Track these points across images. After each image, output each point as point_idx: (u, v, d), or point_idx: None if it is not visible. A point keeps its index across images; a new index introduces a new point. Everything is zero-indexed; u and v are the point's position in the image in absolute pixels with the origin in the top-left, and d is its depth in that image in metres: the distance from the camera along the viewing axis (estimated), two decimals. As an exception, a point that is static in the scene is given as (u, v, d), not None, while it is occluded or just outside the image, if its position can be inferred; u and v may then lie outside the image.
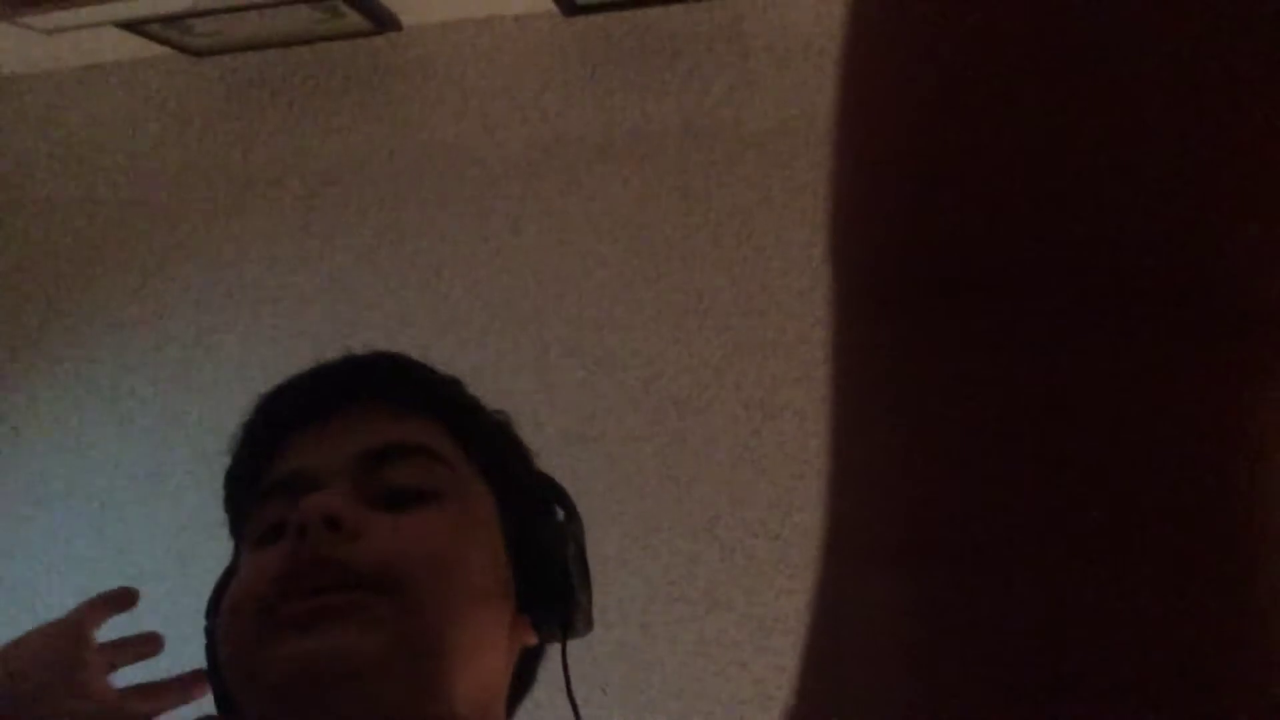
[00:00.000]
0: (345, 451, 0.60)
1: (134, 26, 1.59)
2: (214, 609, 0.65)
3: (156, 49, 1.73)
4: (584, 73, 1.71)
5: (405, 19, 1.73)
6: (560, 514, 0.65)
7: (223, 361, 1.77)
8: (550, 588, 0.62)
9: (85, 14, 1.53)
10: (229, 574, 0.65)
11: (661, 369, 1.62)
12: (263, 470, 0.62)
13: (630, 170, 1.69)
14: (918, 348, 0.14)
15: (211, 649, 0.63)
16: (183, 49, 1.73)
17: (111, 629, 0.70)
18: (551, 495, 0.66)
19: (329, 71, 1.79)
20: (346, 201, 1.78)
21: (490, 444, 0.64)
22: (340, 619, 0.53)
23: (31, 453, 1.81)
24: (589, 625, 0.64)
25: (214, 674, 0.63)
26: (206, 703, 0.66)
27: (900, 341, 0.14)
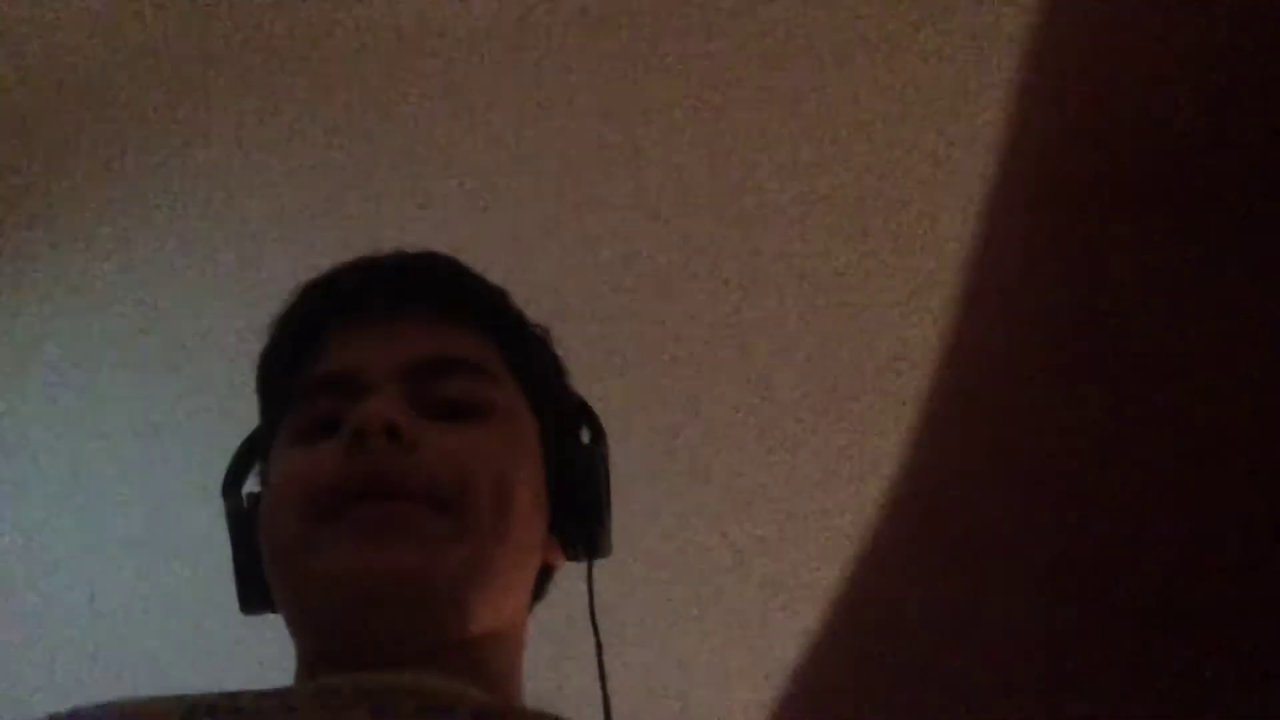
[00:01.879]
0: (396, 357, 0.59)
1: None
2: (231, 486, 0.65)
3: (106, -83, 1.65)
4: (555, -61, 1.64)
5: (366, -118, 1.65)
6: (587, 435, 0.66)
7: (194, 247, 1.74)
8: (584, 510, 0.63)
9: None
10: (250, 449, 0.65)
11: (640, 247, 1.61)
12: (305, 360, 0.62)
13: (606, 42, 1.64)
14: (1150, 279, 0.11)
15: (238, 528, 0.63)
16: (133, -83, 1.65)
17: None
18: (582, 416, 0.66)
19: (289, -60, 1.72)
20: (314, 78, 1.73)
21: (535, 362, 0.64)
22: (403, 533, 0.54)
23: (1, 344, 1.80)
24: (610, 548, 0.65)
25: (240, 555, 0.63)
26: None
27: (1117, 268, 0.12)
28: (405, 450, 0.55)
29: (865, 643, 0.14)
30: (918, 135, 1.55)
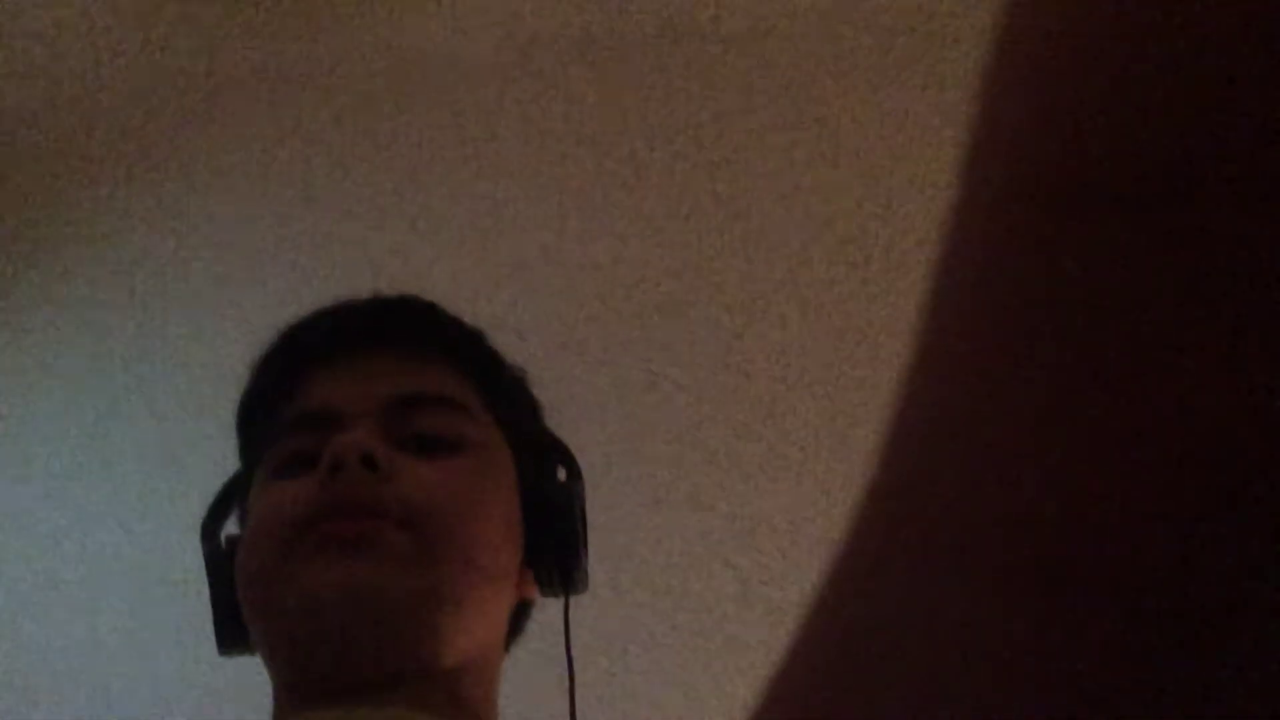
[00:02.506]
0: (374, 394, 0.60)
1: (89, -74, 1.53)
2: (209, 530, 0.65)
3: (114, -50, 1.67)
4: (558, -30, 1.66)
5: (372, -85, 1.67)
6: (563, 473, 0.67)
7: (197, 275, 1.75)
8: (559, 544, 0.63)
9: (37, -87, 1.47)
10: (229, 492, 0.66)
11: (643, 274, 1.61)
12: (283, 400, 0.62)
13: (608, 72, 1.66)
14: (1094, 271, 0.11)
15: (216, 574, 0.63)
16: (141, -50, 1.67)
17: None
18: (558, 454, 0.67)
19: (295, -28, 1.74)
20: (318, 109, 1.74)
21: (510, 399, 0.65)
22: (370, 550, 0.54)
23: (3, 371, 1.80)
24: (586, 584, 0.65)
25: (218, 597, 0.63)
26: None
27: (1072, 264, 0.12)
28: (381, 478, 0.56)
29: (841, 652, 0.14)
30: (921, 163, 1.55)
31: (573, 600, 0.66)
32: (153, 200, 1.78)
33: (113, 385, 1.75)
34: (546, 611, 0.67)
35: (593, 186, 1.64)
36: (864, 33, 1.62)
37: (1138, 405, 0.11)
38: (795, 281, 1.57)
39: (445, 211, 1.68)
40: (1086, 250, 0.12)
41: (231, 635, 0.63)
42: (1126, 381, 0.11)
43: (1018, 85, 0.13)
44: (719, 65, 1.63)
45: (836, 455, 1.48)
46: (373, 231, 1.68)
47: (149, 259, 1.77)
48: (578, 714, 0.63)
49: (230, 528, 0.66)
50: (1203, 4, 0.11)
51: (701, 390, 1.57)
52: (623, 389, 1.56)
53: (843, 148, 1.60)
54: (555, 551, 0.63)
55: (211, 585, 0.64)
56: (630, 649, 1.44)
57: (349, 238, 1.68)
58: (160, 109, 1.79)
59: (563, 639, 0.64)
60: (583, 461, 0.67)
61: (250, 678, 0.67)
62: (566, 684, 0.63)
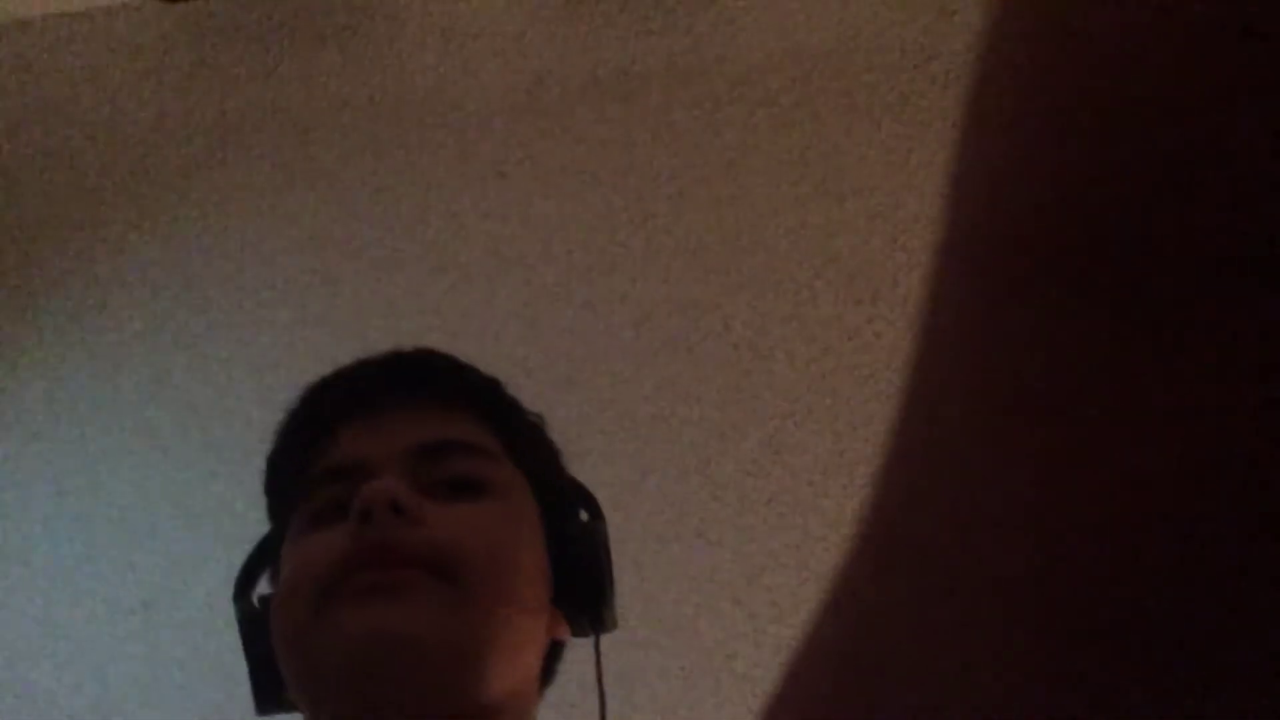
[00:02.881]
0: (399, 444, 0.61)
1: (104, -28, 1.56)
2: (242, 590, 0.66)
3: (128, -5, 1.70)
4: (566, 11, 1.68)
5: (381, -41, 1.70)
6: (585, 515, 0.67)
7: (206, 315, 1.76)
8: (587, 584, 0.64)
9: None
10: (261, 552, 0.66)
11: (650, 311, 1.62)
12: (310, 458, 0.63)
13: (615, 111, 1.67)
14: (1057, 342, 0.12)
15: (251, 634, 0.63)
16: (155, -5, 1.69)
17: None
18: (580, 498, 0.68)
19: (306, 16, 1.76)
20: (328, 149, 1.76)
21: (530, 445, 0.65)
22: (403, 596, 0.55)
23: (14, 408, 1.81)
24: (615, 622, 0.66)
25: (254, 657, 0.63)
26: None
27: (1036, 333, 0.12)
28: (410, 524, 0.56)
29: (841, 669, 0.14)
30: (927, 198, 1.56)
31: (580, 639, 0.66)
32: (163, 240, 1.80)
33: (120, 424, 1.76)
34: (569, 649, 0.67)
35: (600, 224, 1.65)
36: (869, 70, 1.64)
37: (1132, 446, 0.11)
38: (802, 318, 1.57)
39: (453, 250, 1.69)
40: (1074, 303, 0.12)
41: (269, 694, 0.63)
42: (1122, 415, 0.12)
43: (1008, 141, 0.13)
44: (724, 104, 1.64)
45: (845, 491, 1.47)
46: (381, 271, 1.69)
47: (158, 299, 1.78)
48: None
49: (263, 588, 0.67)
50: (1192, 67, 0.11)
51: (709, 427, 1.57)
52: (630, 426, 1.56)
53: (849, 184, 1.61)
54: (583, 592, 0.64)
55: (246, 645, 0.64)
56: (638, 688, 1.43)
57: (357, 277, 1.69)
58: (172, 151, 1.81)
59: (575, 679, 0.64)
60: (591, 499, 0.67)
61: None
62: None
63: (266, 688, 0.63)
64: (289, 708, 0.63)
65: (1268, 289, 0.11)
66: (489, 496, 0.60)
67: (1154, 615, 0.11)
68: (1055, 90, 0.12)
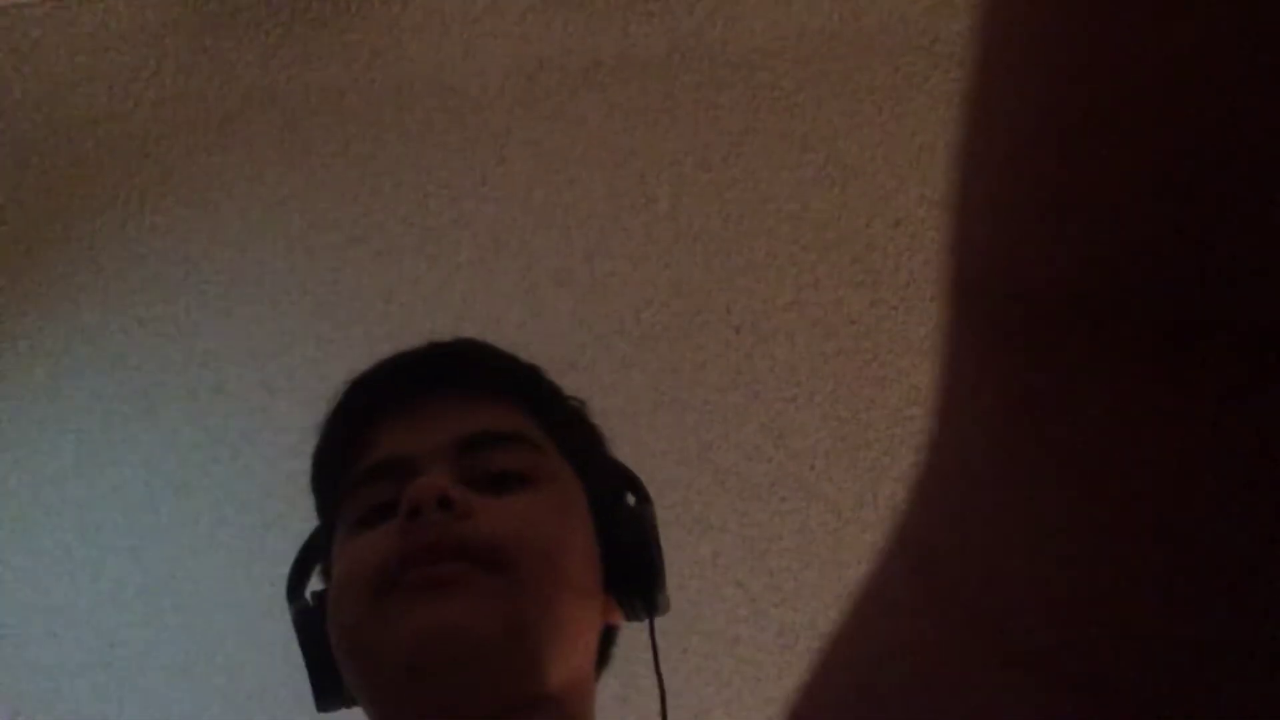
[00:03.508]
0: (442, 437, 0.61)
1: (101, -43, 1.55)
2: (294, 589, 0.66)
3: (126, -19, 1.69)
4: (565, -5, 1.67)
5: (380, -57, 1.69)
6: (632, 498, 0.68)
7: (208, 299, 1.76)
8: (639, 569, 0.64)
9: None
10: (310, 550, 0.66)
11: (651, 296, 1.62)
12: (354, 454, 0.63)
13: (615, 96, 1.67)
14: (1060, 388, 0.12)
15: (307, 631, 0.64)
16: (153, -20, 1.69)
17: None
18: (625, 480, 0.68)
19: (305, 2, 1.75)
20: (328, 135, 1.75)
21: (574, 430, 0.66)
22: (458, 592, 0.55)
23: (16, 397, 1.81)
24: (668, 604, 0.66)
25: (312, 657, 0.63)
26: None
27: (1042, 380, 0.12)
28: (459, 518, 0.57)
29: (856, 687, 0.14)
30: (928, 182, 1.56)
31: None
32: (164, 226, 1.79)
33: (122, 412, 1.76)
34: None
35: (601, 209, 1.65)
36: (869, 53, 1.63)
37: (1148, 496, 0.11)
38: (804, 302, 1.57)
39: (454, 235, 1.69)
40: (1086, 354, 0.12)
41: (328, 690, 0.63)
42: (1127, 457, 0.11)
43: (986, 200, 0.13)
44: (726, 87, 1.64)
45: (847, 475, 1.47)
46: (382, 256, 1.69)
47: (160, 284, 1.78)
48: None
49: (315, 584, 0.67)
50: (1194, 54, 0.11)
51: (711, 411, 1.57)
52: (631, 411, 1.56)
53: (850, 168, 1.60)
54: (635, 575, 0.64)
55: (302, 642, 0.65)
56: (641, 672, 1.44)
57: (358, 262, 1.69)
58: (172, 136, 1.80)
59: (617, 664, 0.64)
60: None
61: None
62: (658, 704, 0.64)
63: (326, 684, 0.63)
64: (349, 703, 0.63)
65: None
66: (535, 487, 0.60)
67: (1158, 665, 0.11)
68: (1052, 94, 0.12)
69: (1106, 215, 0.11)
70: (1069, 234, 0.12)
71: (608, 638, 0.66)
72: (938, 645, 0.13)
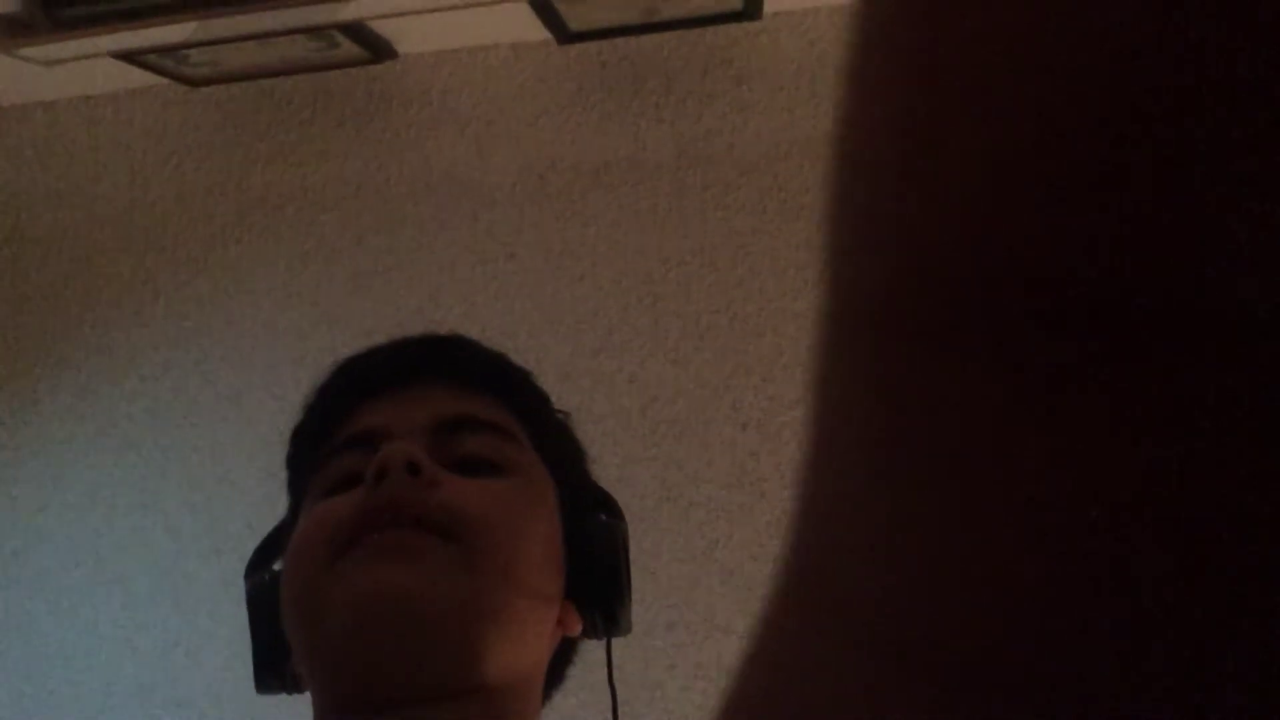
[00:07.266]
0: (420, 416, 0.61)
1: (131, 57, 1.60)
2: (255, 567, 0.65)
3: (153, 79, 1.74)
4: (579, 100, 1.72)
5: (401, 48, 1.75)
6: (604, 516, 0.67)
7: (220, 389, 1.77)
8: (602, 581, 0.63)
9: (82, 46, 1.54)
10: (279, 532, 0.65)
11: (659, 393, 1.62)
12: (333, 430, 0.63)
13: (625, 196, 1.70)
14: (929, 384, 0.12)
15: (259, 606, 0.63)
16: (179, 79, 1.74)
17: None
18: (600, 500, 0.67)
19: (325, 100, 1.80)
20: (343, 229, 1.79)
21: (555, 437, 0.65)
22: (415, 559, 0.54)
23: (28, 482, 1.81)
24: (629, 626, 0.64)
25: (259, 631, 0.62)
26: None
27: (909, 378, 0.12)
28: (425, 486, 0.56)
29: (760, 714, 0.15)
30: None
31: (591, 647, 0.65)
32: (178, 318, 1.82)
33: (128, 500, 1.76)
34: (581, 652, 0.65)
35: (609, 306, 1.67)
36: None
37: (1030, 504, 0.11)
38: (809, 402, 1.57)
39: (464, 329, 1.70)
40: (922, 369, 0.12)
41: (270, 670, 0.62)
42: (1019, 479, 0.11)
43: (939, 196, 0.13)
44: (733, 189, 1.67)
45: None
46: (392, 349, 1.71)
47: (170, 374, 1.79)
48: None
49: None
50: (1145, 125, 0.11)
51: (717, 509, 1.56)
52: (637, 507, 1.55)
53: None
54: (598, 589, 0.62)
55: (251, 618, 0.63)
56: (652, 697, 1.40)
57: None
58: (189, 229, 1.84)
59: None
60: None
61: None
62: None
63: (269, 660, 0.62)
64: (291, 688, 0.61)
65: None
66: (508, 476, 0.60)
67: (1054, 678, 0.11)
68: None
69: (965, 209, 0.12)
70: (936, 232, 0.12)
71: (564, 652, 0.63)
72: (815, 650, 0.13)
